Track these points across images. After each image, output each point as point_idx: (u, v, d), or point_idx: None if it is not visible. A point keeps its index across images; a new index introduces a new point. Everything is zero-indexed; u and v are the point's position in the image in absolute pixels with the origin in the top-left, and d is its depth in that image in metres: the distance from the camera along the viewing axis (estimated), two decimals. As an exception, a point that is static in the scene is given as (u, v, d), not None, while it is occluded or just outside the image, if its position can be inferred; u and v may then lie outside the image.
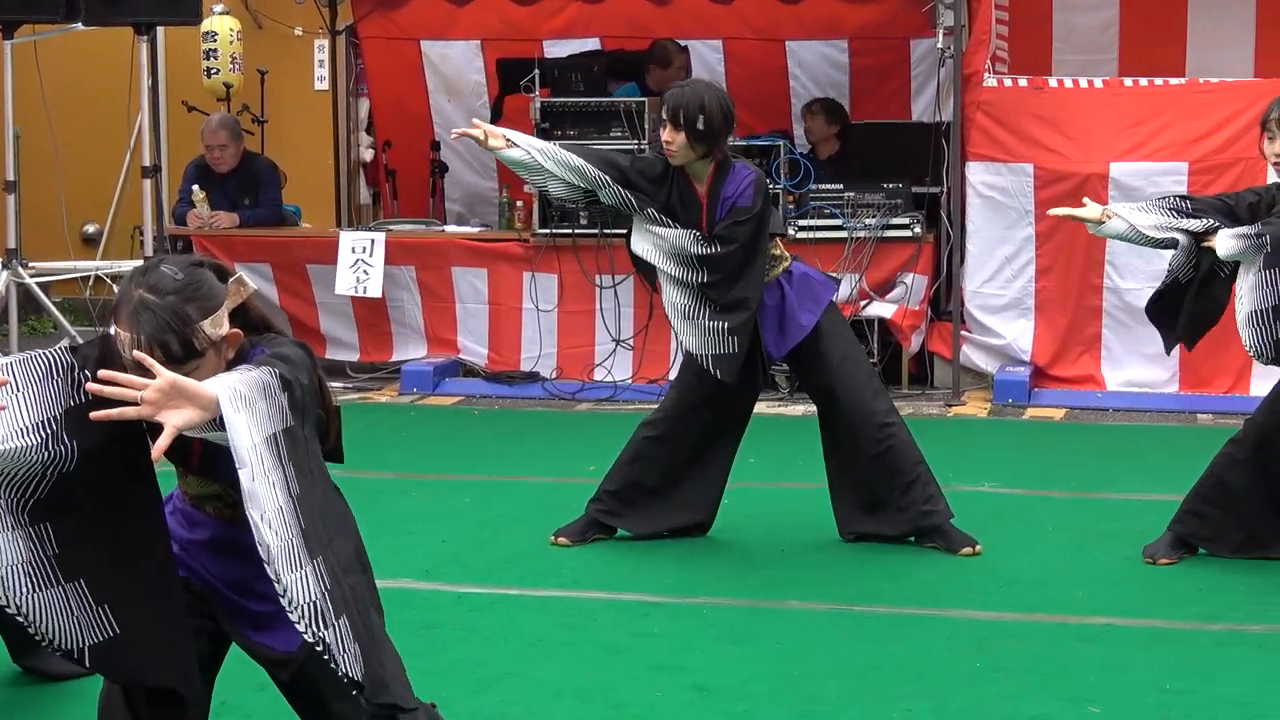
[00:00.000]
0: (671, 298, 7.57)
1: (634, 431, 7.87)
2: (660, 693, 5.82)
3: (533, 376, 11.95)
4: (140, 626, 4.05)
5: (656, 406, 7.97)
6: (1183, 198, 7.61)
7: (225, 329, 4.01)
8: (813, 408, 11.04)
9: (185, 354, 3.92)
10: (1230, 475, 7.42)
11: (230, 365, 4.00)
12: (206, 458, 4.19)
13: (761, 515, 8.19)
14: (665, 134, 7.45)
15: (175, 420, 3.61)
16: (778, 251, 7.68)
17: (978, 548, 7.59)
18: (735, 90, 12.98)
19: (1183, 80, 11.94)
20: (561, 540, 7.77)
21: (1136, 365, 11.59)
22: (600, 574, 7.35)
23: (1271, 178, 7.55)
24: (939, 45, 11.81)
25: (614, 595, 7.03)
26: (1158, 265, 11.27)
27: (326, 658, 3.84)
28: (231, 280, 4.09)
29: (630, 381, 11.81)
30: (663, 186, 7.51)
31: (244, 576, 4.26)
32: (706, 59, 13.09)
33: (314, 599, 3.80)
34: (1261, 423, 7.40)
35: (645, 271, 7.78)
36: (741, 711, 5.66)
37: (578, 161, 7.42)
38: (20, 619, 3.92)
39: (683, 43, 12.92)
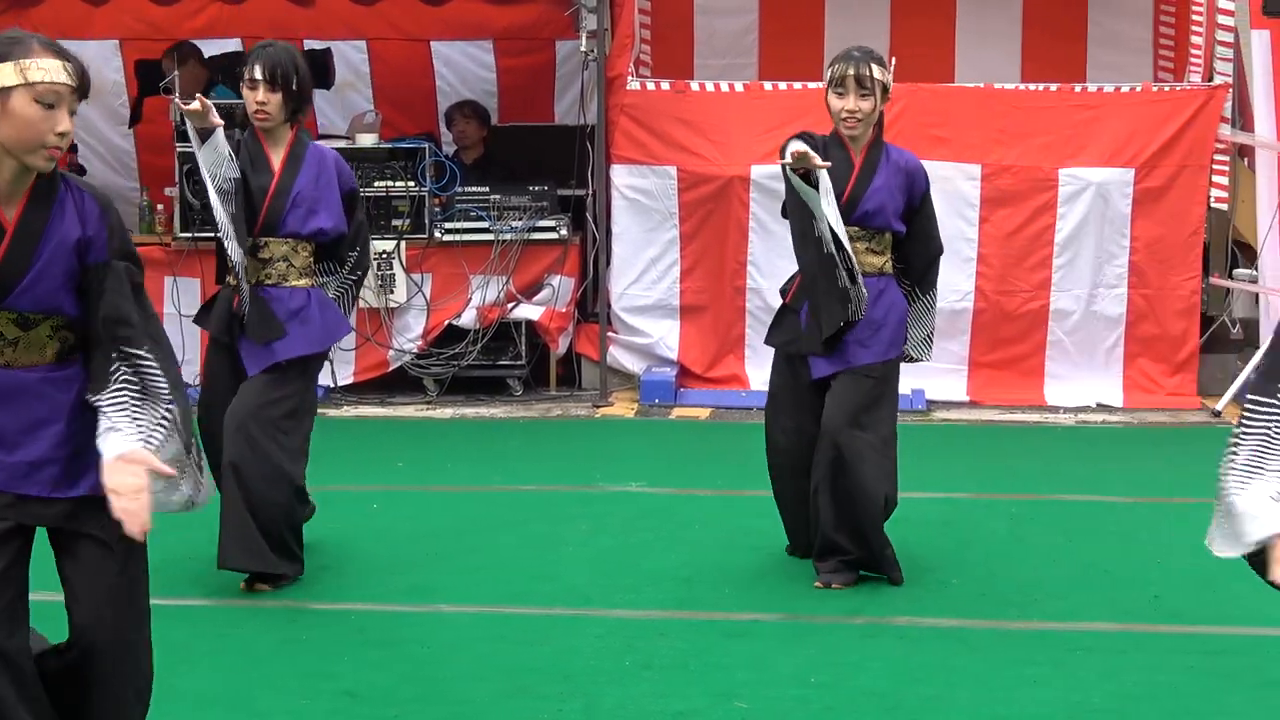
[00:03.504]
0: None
1: None
2: (308, 700, 5.76)
3: (176, 382, 11.72)
4: None
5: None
6: None
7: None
8: (463, 410, 11.05)
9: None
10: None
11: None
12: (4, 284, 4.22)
13: (410, 519, 8.14)
14: (259, 95, 7.14)
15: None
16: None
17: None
18: (382, 91, 12.94)
19: (820, 84, 12.14)
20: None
21: (778, 363, 11.78)
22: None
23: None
24: (582, 48, 11.88)
25: (260, 604, 6.93)
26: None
27: None
28: None
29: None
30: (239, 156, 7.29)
31: (22, 424, 4.30)
32: (351, 60, 12.99)
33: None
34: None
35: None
36: (391, 716, 5.62)
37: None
38: None
39: (327, 44, 12.80)
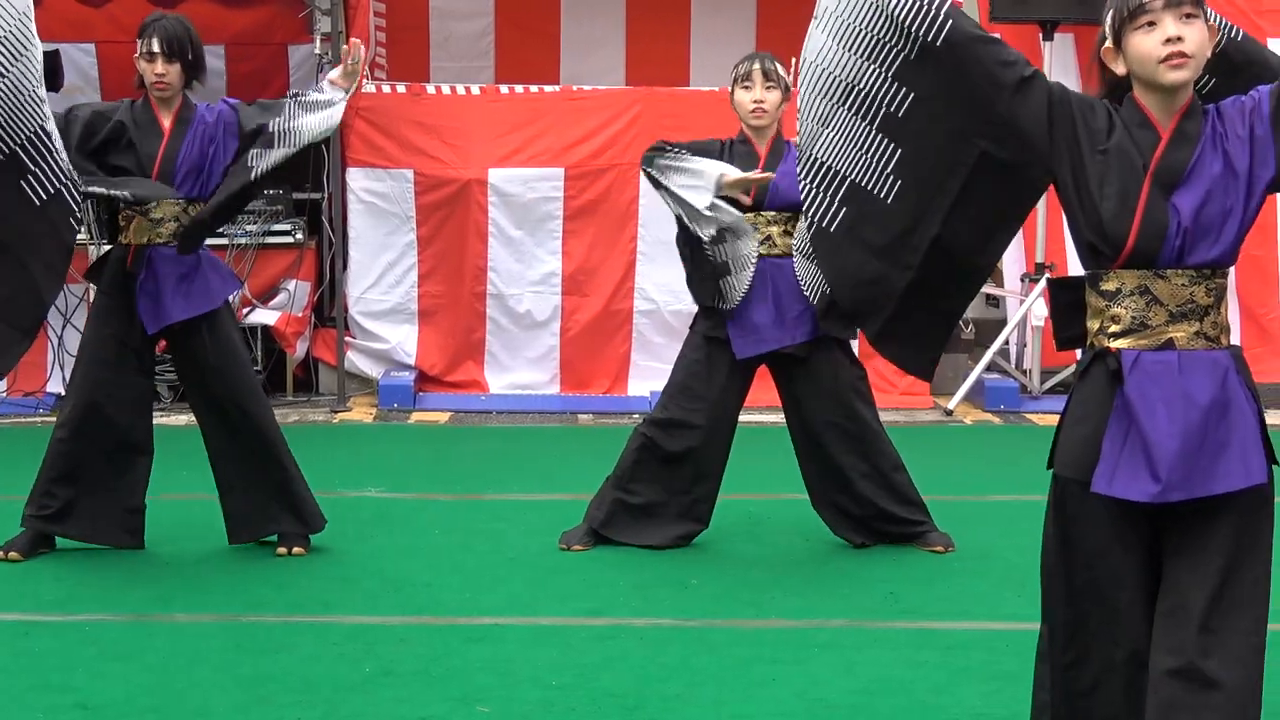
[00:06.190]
0: None
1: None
2: (42, 713, 5.64)
3: (-100, 391, 11.45)
4: None
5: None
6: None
7: None
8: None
9: None
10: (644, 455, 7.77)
11: None
12: None
13: (155, 525, 7.97)
14: (158, 67, 7.36)
15: None
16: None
17: None
18: (111, 94, 12.71)
19: (557, 88, 12.21)
20: (13, 555, 7.50)
21: (520, 368, 11.80)
22: (-25, 594, 7.10)
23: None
24: (316, 51, 11.80)
25: (-11, 616, 6.80)
26: (537, 270, 11.55)
27: None
28: None
29: (5, 395, 11.41)
30: (106, 123, 7.43)
31: None
32: (79, 63, 12.74)
33: None
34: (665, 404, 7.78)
35: None
36: (127, 729, 5.55)
37: None
38: None
39: (55, 46, 12.55)
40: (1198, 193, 4.06)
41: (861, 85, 4.30)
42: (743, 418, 7.87)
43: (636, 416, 10.64)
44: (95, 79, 12.74)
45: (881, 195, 4.34)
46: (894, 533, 7.79)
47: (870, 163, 4.33)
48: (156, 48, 7.36)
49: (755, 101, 7.65)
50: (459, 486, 9.18)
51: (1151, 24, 4.03)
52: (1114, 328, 4.14)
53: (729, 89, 7.78)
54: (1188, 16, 4.03)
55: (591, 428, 11.13)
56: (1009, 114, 4.19)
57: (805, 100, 4.37)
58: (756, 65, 7.66)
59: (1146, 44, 4.05)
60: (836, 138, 4.36)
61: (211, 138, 7.49)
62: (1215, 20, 4.35)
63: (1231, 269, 4.17)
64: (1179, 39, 4.01)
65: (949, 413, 11.41)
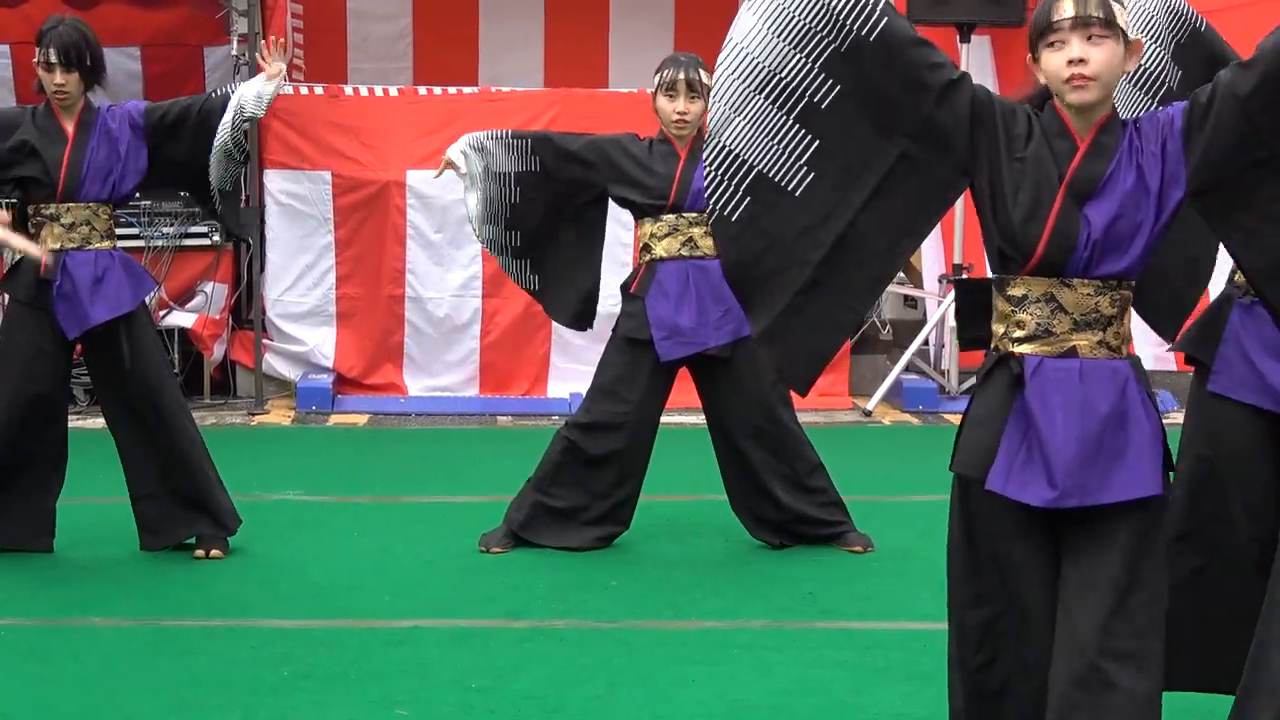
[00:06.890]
0: None
1: None
2: (-43, 721, 5.62)
3: None
4: None
5: None
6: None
7: None
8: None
9: None
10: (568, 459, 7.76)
11: None
12: None
13: (60, 531, 7.91)
14: (57, 77, 7.30)
15: None
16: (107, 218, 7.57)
17: None
18: (25, 99, 12.62)
19: (475, 89, 12.20)
20: None
21: (439, 371, 11.78)
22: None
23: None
24: (234, 52, 11.75)
25: (-96, 622, 6.73)
26: (458, 274, 11.54)
27: None
28: None
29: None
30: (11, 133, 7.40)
31: None
32: (-7, 64, 12.67)
33: None
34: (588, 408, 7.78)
35: None
36: (44, 735, 5.51)
37: None
38: None
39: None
40: (1110, 206, 4.09)
41: (784, 74, 4.28)
42: (663, 419, 7.88)
43: (556, 418, 10.65)
44: (9, 80, 12.63)
45: (789, 188, 4.32)
46: (812, 535, 7.83)
47: (782, 154, 4.30)
48: (54, 58, 7.28)
49: (679, 112, 7.63)
50: (377, 489, 9.16)
51: (1061, 43, 4.07)
52: (1019, 333, 4.17)
53: (652, 92, 7.76)
54: (1096, 38, 4.06)
55: (511, 429, 11.13)
56: (933, 116, 4.20)
57: (721, 83, 4.32)
58: (681, 75, 7.62)
59: (1054, 63, 4.09)
60: (748, 126, 4.31)
61: (117, 139, 7.44)
62: (1189, 11, 4.38)
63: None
64: (1082, 61, 4.04)
65: (867, 413, 11.46)
